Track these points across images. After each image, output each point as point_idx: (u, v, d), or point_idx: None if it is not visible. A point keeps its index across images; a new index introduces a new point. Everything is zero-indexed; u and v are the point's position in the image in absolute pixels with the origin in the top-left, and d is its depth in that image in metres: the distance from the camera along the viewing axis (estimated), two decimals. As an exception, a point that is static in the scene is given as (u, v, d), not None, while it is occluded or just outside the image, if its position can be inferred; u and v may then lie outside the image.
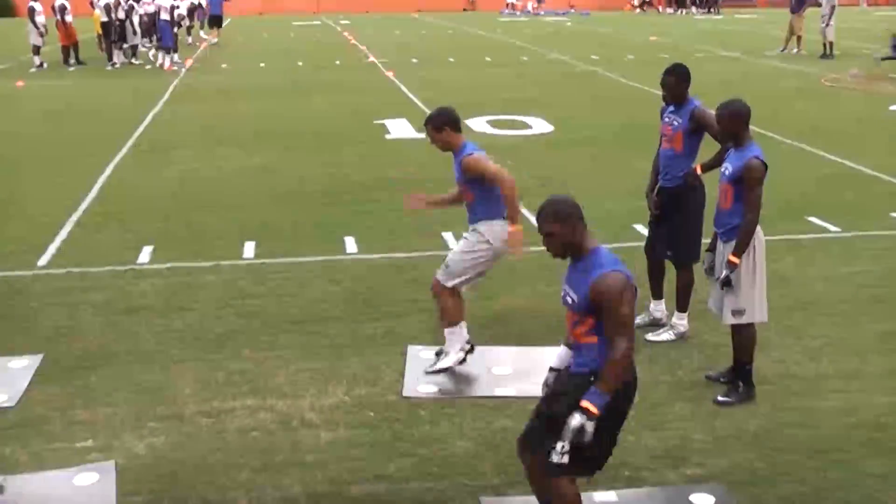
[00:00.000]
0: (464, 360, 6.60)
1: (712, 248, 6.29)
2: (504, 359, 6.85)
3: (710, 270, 6.30)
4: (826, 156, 13.59)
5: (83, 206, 11.23)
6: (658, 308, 7.44)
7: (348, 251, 9.39)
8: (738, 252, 5.92)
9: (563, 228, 4.19)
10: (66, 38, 26.61)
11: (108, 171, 13.09)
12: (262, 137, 15.36)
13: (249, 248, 9.42)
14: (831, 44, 26.65)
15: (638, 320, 7.42)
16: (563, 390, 4.32)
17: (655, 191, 7.28)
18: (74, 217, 10.73)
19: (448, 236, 9.64)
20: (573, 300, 4.24)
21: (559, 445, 4.10)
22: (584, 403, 4.06)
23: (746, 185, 5.91)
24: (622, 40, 32.68)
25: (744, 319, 6.07)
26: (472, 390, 6.35)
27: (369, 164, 13.39)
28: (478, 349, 6.92)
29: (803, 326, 7.39)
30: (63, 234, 10.10)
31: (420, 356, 6.85)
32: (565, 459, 4.11)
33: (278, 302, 7.98)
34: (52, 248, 9.55)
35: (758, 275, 6.04)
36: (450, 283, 6.52)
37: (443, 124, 6.43)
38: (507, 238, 6.37)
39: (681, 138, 7.13)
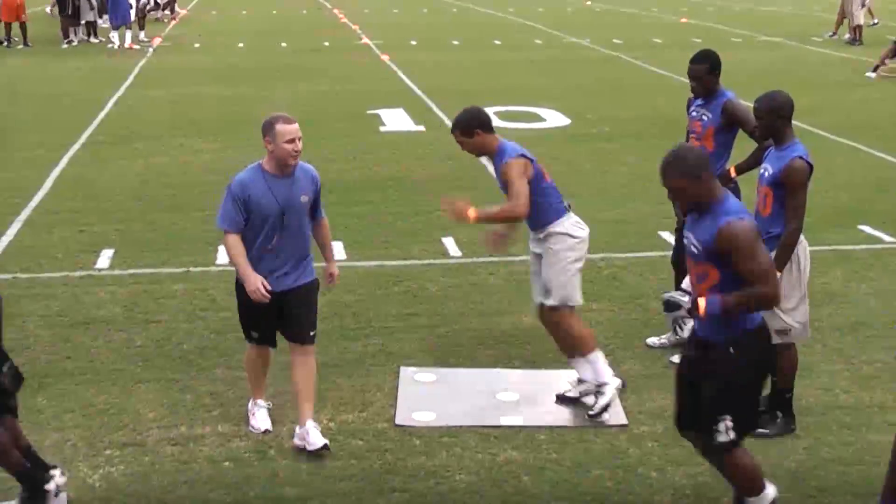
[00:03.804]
0: (624, 385, 6.58)
1: (750, 260, 6.29)
2: (511, 383, 6.85)
3: (747, 285, 6.30)
4: (881, 156, 13.59)
5: (33, 203, 11.23)
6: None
7: (336, 258, 9.37)
8: (780, 265, 5.92)
9: (692, 183, 4.50)
10: (7, 15, 26.05)
11: (62, 163, 13.10)
12: (239, 128, 15.35)
13: (223, 254, 9.42)
14: (859, 28, 26.49)
15: (664, 339, 7.44)
16: (707, 369, 4.72)
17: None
18: (23, 216, 10.74)
19: (449, 241, 9.65)
20: (698, 248, 4.55)
21: (721, 425, 4.56)
22: (700, 302, 4.46)
23: (789, 189, 5.92)
24: (649, 21, 32.72)
25: (787, 339, 6.06)
26: (475, 418, 6.35)
27: (361, 159, 13.41)
28: (482, 372, 6.93)
29: (854, 349, 7.39)
30: (9, 234, 10.11)
31: (415, 378, 6.86)
32: (732, 435, 4.59)
33: (255, 315, 7.97)
34: (-3, 251, 9.59)
35: (802, 289, 6.05)
36: (558, 302, 6.40)
37: (472, 127, 6.41)
38: (584, 229, 6.44)
39: (711, 135, 7.14)
